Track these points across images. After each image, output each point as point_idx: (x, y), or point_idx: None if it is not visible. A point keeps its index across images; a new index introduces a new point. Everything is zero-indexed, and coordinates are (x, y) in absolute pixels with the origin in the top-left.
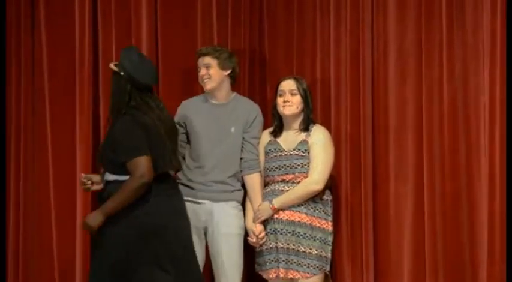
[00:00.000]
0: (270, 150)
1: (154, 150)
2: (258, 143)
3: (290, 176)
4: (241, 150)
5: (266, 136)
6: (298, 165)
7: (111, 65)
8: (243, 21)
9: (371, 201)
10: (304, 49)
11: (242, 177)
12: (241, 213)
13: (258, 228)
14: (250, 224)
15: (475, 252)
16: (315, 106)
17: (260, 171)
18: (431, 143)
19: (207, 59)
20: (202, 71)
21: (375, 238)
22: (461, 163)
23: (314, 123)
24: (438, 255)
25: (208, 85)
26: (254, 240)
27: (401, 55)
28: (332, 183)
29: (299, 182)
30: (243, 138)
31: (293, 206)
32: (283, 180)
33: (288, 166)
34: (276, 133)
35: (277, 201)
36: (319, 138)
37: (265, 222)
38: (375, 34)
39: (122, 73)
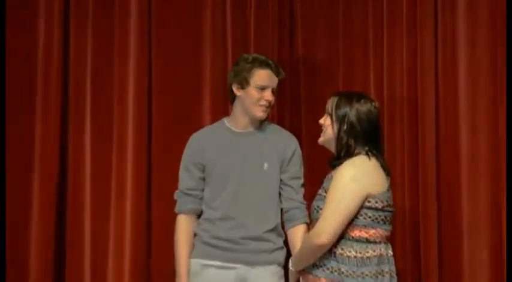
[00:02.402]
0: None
1: None
2: (302, 184)
3: (312, 225)
4: (280, 198)
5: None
6: (315, 209)
7: None
8: (271, 20)
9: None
10: (354, 60)
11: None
12: (283, 280)
13: None
14: None
15: None
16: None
17: (306, 222)
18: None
19: (277, 82)
20: (271, 96)
21: None
22: None
23: (357, 154)
24: None
25: (266, 113)
26: None
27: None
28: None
29: None
30: (281, 180)
31: (310, 266)
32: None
33: (311, 210)
34: (330, 164)
35: (292, 262)
36: (339, 175)
37: None
38: (440, 41)
39: None
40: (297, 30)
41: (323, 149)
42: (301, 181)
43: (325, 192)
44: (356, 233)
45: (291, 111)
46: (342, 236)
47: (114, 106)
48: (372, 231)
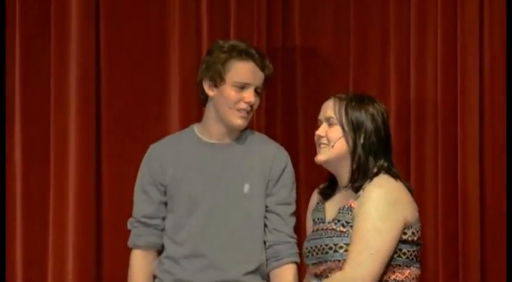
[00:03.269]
0: (314, 221)
1: None
2: (293, 213)
3: (322, 267)
4: (265, 228)
5: (314, 197)
6: (331, 248)
7: None
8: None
9: None
10: (369, 52)
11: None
12: None
13: None
14: None
15: None
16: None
17: (296, 262)
18: None
19: (263, 79)
20: (253, 97)
21: None
22: None
23: (377, 173)
24: None
25: (246, 121)
26: None
27: None
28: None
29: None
30: (266, 206)
31: None
32: (315, 275)
33: (319, 249)
34: (326, 192)
35: None
36: (368, 199)
37: None
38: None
39: None
40: (293, 9)
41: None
42: (292, 208)
43: (343, 226)
44: (390, 276)
45: (284, 118)
46: None
47: (51, 107)
48: (407, 272)
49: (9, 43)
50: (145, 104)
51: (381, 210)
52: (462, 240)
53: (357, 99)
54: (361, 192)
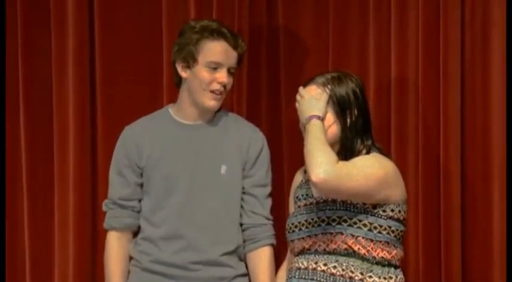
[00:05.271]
0: (297, 197)
1: None
2: (269, 194)
3: (311, 241)
4: (241, 211)
5: (298, 177)
6: (323, 221)
7: None
8: None
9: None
10: (347, 35)
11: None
12: None
13: None
14: None
15: None
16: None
17: (273, 244)
18: None
19: (236, 59)
20: (226, 78)
21: None
22: None
23: (367, 151)
24: None
25: (219, 102)
26: None
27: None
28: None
29: (333, 252)
30: (242, 187)
31: None
32: (302, 250)
33: (309, 223)
34: None
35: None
36: (364, 157)
37: None
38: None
39: None
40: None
41: None
42: (268, 190)
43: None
44: (379, 253)
45: (269, 100)
46: (361, 257)
47: (54, 98)
48: (394, 252)
49: (10, 41)
50: (137, 91)
51: (371, 159)
52: (444, 221)
53: (334, 79)
54: None
